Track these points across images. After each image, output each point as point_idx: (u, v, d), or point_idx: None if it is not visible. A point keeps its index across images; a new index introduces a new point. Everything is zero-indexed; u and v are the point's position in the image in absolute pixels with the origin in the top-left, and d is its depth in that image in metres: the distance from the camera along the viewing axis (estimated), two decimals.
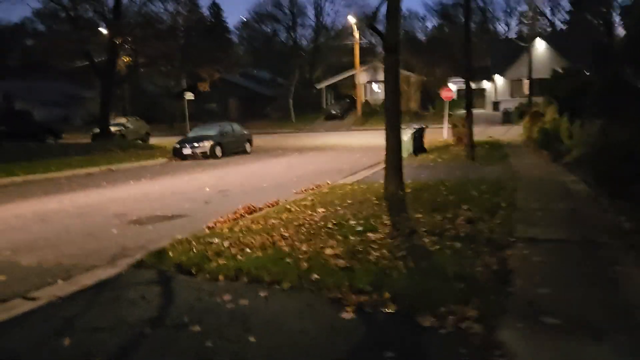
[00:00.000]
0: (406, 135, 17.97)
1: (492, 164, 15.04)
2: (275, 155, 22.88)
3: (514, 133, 28.59)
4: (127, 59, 32.59)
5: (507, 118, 37.32)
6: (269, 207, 9.44)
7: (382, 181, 9.92)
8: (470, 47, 15.64)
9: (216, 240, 6.32)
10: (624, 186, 8.17)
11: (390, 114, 9.25)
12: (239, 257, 5.51)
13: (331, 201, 9.29)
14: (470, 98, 15.72)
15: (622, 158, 8.86)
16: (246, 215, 8.64)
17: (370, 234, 6.37)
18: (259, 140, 31.81)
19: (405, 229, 6.59)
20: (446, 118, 26.74)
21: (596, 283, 4.40)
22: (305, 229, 6.85)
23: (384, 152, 9.67)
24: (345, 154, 21.85)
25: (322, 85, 49.74)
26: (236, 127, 23.54)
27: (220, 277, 4.90)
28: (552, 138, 17.20)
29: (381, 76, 48.13)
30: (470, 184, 10.52)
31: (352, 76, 45.84)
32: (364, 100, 47.83)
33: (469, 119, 15.81)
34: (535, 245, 5.70)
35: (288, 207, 8.89)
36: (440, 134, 27.23)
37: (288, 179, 14.43)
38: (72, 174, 18.75)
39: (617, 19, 60.79)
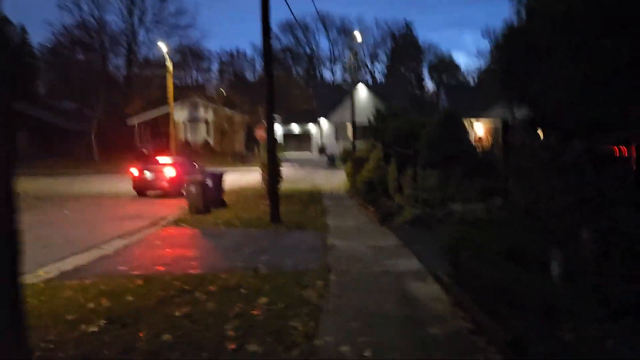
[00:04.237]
0: (193, 186, 12.57)
1: (303, 229, 10.37)
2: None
3: (338, 179, 25.18)
4: None
5: (333, 162, 34.50)
6: None
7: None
8: (272, 86, 10.99)
9: None
10: (515, 308, 3.78)
11: None
12: None
13: None
14: (272, 143, 11.00)
15: (501, 249, 4.57)
16: None
17: None
18: (33, 185, 23.57)
19: None
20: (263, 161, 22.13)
21: None
22: None
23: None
24: (122, 208, 15.53)
25: (134, 121, 42.18)
26: None
27: None
28: (379, 190, 13.37)
29: (202, 113, 42.75)
30: (247, 285, 5.45)
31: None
32: (183, 140, 41.55)
33: (272, 170, 11.03)
34: None
35: None
36: (259, 178, 22.61)
37: None
38: None
39: (425, 73, 64.94)
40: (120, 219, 12.70)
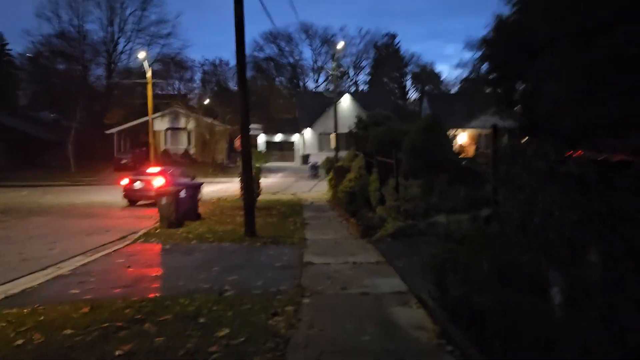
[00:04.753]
0: (165, 199, 11.83)
1: (279, 243, 9.70)
2: None
3: (320, 189, 24.58)
4: None
5: (315, 172, 33.86)
6: None
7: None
8: (246, 91, 10.45)
9: None
10: (511, 342, 3.19)
11: None
12: None
13: None
14: (247, 153, 10.32)
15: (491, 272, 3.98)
16: None
17: None
18: (2, 196, 22.50)
19: None
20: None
21: None
22: None
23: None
24: (93, 221, 14.63)
25: (114, 130, 41.12)
26: None
27: None
28: (360, 201, 12.78)
29: (183, 123, 41.90)
30: (208, 312, 4.77)
31: (153, 122, 38.48)
32: (163, 149, 40.57)
33: (247, 181, 10.36)
34: None
35: None
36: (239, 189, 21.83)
37: None
38: None
39: (408, 83, 64.93)
40: (88, 233, 11.89)
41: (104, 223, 13.84)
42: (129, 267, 7.93)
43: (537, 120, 3.62)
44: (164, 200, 11.72)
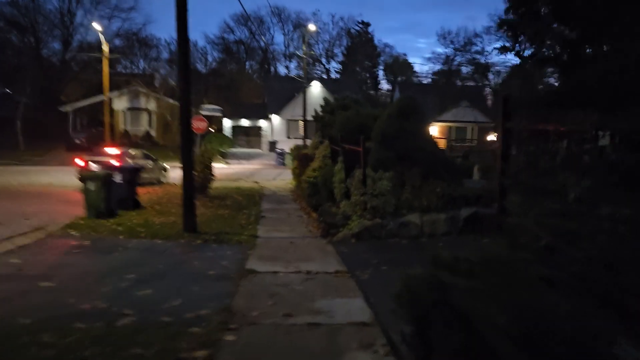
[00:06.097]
0: (93, 183, 9.92)
1: (223, 242, 8.03)
2: None
3: (286, 178, 22.92)
4: None
5: (282, 160, 32.16)
6: None
7: None
8: (188, 49, 8.78)
9: None
10: None
11: None
12: None
13: None
14: (187, 130, 8.49)
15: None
16: None
17: None
18: None
19: None
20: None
21: None
22: None
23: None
24: (20, 205, 12.52)
25: (68, 108, 38.09)
26: None
27: None
28: (324, 193, 11.19)
29: (144, 103, 39.31)
30: None
31: (111, 100, 35.71)
32: (122, 130, 37.87)
33: (186, 166, 8.56)
34: None
35: None
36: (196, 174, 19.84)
37: None
38: None
39: (381, 74, 63.57)
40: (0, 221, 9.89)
41: (31, 209, 11.78)
42: (22, 270, 6.14)
43: (591, 81, 2.27)
44: (92, 186, 9.82)
